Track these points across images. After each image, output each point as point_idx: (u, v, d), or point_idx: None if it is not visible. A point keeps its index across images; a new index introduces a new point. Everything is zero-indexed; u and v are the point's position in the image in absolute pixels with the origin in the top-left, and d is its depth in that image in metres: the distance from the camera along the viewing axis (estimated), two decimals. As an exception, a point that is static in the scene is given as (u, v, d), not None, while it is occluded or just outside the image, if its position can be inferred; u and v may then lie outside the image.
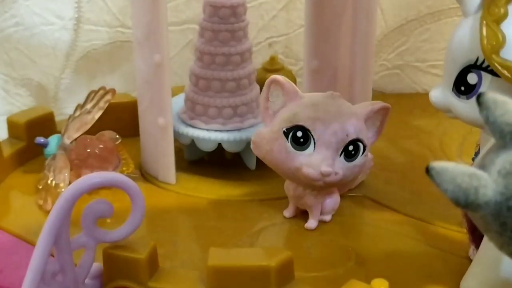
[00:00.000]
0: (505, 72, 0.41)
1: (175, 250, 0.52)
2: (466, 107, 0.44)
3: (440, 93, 0.45)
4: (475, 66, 0.43)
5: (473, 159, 0.49)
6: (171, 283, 0.46)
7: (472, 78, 0.43)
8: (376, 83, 0.79)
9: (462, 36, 0.43)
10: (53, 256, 0.44)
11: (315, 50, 0.57)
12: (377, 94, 0.78)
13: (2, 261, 0.51)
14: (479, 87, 0.43)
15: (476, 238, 0.48)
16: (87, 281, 0.46)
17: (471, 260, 0.47)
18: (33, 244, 0.44)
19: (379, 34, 0.79)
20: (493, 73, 0.42)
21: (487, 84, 0.42)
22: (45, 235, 0.42)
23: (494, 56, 0.41)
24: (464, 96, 0.44)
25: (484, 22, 0.41)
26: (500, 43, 0.41)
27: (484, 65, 0.42)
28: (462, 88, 0.44)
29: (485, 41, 0.41)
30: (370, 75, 0.60)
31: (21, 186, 0.61)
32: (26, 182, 0.62)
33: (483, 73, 0.42)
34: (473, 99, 0.42)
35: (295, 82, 0.64)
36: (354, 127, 0.52)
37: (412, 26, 0.80)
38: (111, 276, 0.46)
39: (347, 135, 0.51)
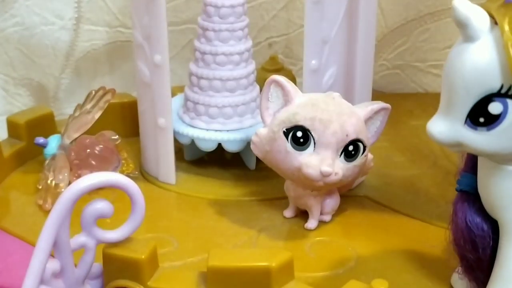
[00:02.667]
0: None
1: (175, 250, 0.53)
2: (487, 139, 0.40)
3: (446, 128, 0.40)
4: (498, 95, 0.38)
5: (458, 182, 0.46)
6: (171, 283, 0.46)
7: (495, 107, 0.39)
8: (376, 83, 0.79)
9: (477, 64, 0.39)
10: (53, 256, 0.44)
11: (315, 50, 0.57)
12: (377, 94, 0.78)
13: (2, 261, 0.51)
14: (504, 116, 0.39)
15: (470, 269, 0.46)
16: (87, 281, 0.46)
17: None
18: (33, 244, 0.44)
19: (379, 34, 0.79)
20: None
21: None
22: (45, 235, 0.42)
23: None
24: (484, 128, 0.39)
25: (510, 44, 0.37)
26: None
27: (511, 92, 0.38)
28: (481, 120, 0.39)
29: None
30: (370, 75, 0.60)
31: (21, 186, 0.61)
32: (26, 182, 0.62)
33: (510, 101, 0.38)
34: (497, 130, 0.39)
35: (295, 82, 0.64)
36: (354, 127, 0.52)
37: (412, 26, 0.79)
38: (111, 276, 0.46)
39: (347, 135, 0.51)
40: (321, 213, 0.55)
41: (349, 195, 0.59)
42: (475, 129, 0.40)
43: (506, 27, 0.38)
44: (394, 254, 0.52)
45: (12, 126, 0.65)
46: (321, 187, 0.53)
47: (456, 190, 0.46)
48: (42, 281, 0.43)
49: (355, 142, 0.52)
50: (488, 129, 0.39)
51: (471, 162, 0.45)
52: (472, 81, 0.39)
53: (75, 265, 0.45)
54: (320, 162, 0.51)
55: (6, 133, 0.66)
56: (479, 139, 0.40)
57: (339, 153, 0.52)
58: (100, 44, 0.78)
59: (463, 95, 0.39)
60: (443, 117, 0.41)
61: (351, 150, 0.52)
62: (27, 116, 0.65)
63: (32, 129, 0.64)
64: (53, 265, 0.43)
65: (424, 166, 0.64)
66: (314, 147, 0.51)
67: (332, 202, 0.55)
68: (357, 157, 0.52)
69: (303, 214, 0.56)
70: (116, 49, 0.79)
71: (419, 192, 0.60)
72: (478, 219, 0.44)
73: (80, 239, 0.45)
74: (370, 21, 0.58)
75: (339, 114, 0.52)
